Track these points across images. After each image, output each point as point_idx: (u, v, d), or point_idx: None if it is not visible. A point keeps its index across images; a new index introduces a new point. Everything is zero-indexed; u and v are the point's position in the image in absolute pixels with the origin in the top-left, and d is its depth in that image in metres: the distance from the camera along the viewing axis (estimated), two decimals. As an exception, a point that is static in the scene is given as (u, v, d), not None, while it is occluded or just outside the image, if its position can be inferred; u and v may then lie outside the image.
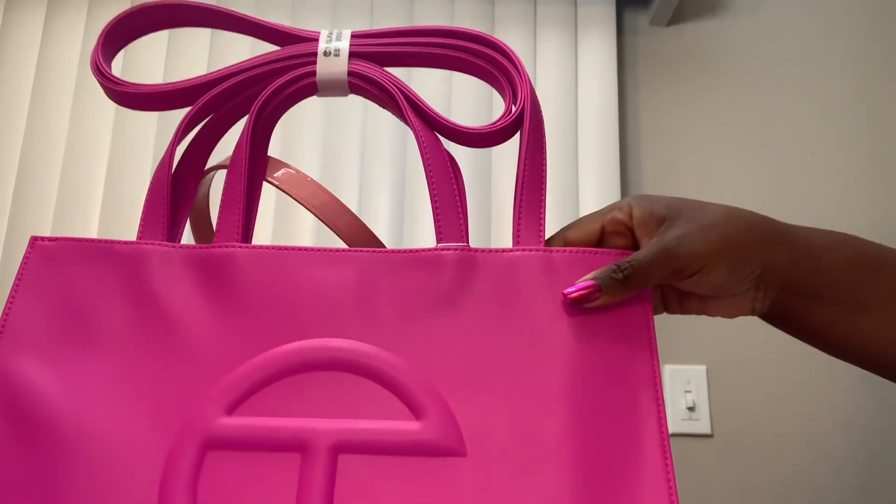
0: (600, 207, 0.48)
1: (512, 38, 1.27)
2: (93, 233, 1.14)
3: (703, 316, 0.49)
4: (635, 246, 0.44)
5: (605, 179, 1.20)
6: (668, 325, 1.18)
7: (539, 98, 0.43)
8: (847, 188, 1.29)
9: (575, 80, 1.27)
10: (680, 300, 0.47)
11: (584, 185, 1.21)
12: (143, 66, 1.19)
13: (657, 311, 0.47)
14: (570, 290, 0.39)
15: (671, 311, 0.49)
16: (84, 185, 1.16)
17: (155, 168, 1.13)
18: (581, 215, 1.18)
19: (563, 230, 0.44)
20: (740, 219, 0.45)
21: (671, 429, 1.15)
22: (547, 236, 0.42)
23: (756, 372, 1.17)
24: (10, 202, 1.16)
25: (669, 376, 1.17)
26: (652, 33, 1.36)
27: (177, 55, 1.21)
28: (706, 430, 1.15)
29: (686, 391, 1.16)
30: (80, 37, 1.24)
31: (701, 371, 1.17)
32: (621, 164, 1.25)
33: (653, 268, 0.41)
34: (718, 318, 0.49)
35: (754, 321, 1.18)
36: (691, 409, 1.16)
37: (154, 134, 1.18)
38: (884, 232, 1.27)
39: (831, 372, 1.18)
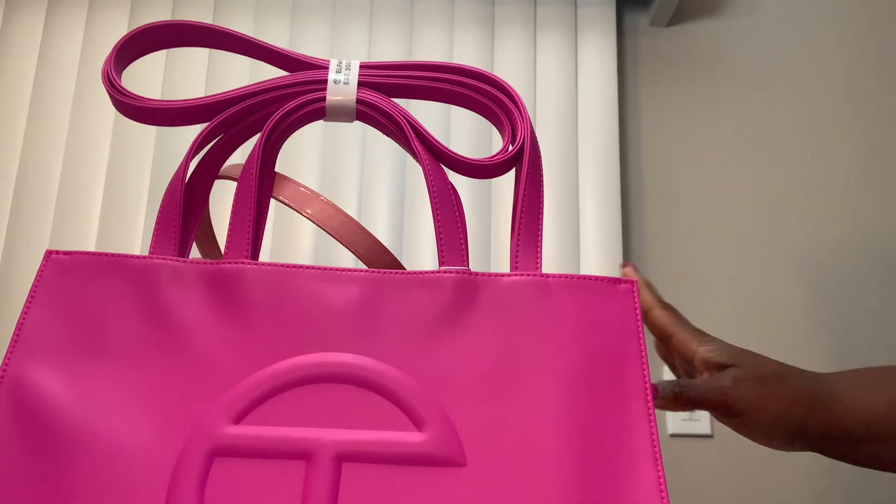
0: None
1: (512, 38, 1.28)
2: (92, 237, 1.15)
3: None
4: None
5: (605, 179, 1.21)
6: (668, 327, 1.19)
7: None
8: (847, 188, 1.30)
9: (575, 80, 1.28)
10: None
11: (583, 185, 1.22)
12: (142, 73, 1.21)
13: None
14: None
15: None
16: (83, 190, 1.17)
17: (153, 172, 1.15)
18: (580, 215, 1.21)
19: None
20: (788, 381, 0.51)
21: (671, 429, 1.16)
22: (544, 265, 0.44)
23: (756, 372, 1.18)
24: (10, 205, 1.17)
25: (669, 376, 1.17)
26: (652, 34, 1.37)
27: (175, 65, 1.23)
28: (706, 430, 1.16)
29: (686, 391, 1.17)
30: (80, 38, 1.24)
31: (701, 371, 1.18)
32: (621, 164, 1.26)
33: (706, 396, 0.50)
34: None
35: (753, 320, 1.19)
36: (691, 408, 1.17)
37: (153, 137, 1.19)
38: (884, 232, 1.28)
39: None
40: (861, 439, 0.50)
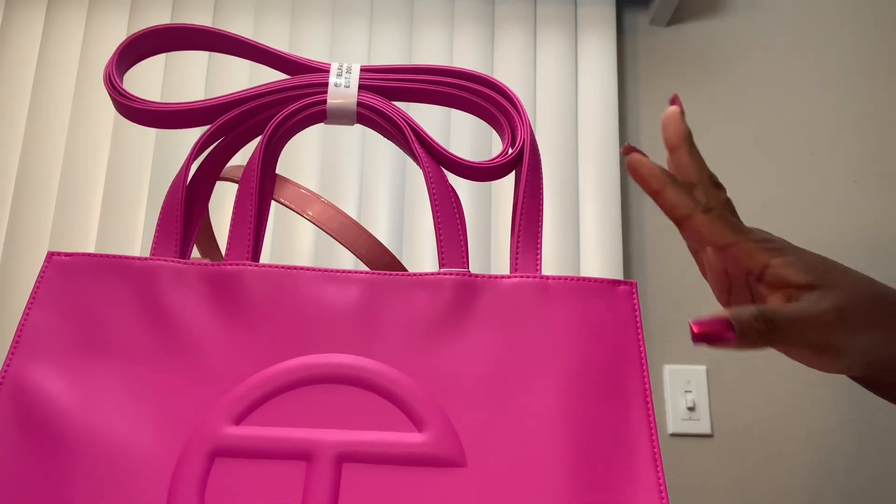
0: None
1: (512, 38, 1.27)
2: (92, 238, 1.15)
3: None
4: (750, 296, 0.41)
5: (605, 180, 1.21)
6: (668, 325, 1.20)
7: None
8: (847, 188, 1.30)
9: (575, 79, 1.27)
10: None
11: (583, 185, 1.21)
12: (142, 76, 1.20)
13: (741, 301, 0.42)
14: (699, 322, 0.36)
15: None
16: (83, 190, 1.16)
17: (153, 172, 1.15)
18: (580, 216, 1.21)
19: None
20: (891, 299, 0.40)
21: (671, 429, 1.16)
22: (544, 264, 0.43)
23: (756, 372, 1.18)
24: (10, 205, 1.16)
25: (669, 376, 1.18)
26: (652, 33, 1.37)
27: (175, 67, 1.23)
28: (706, 430, 1.16)
29: (686, 391, 1.17)
30: (80, 38, 1.24)
31: (701, 371, 1.18)
32: (621, 165, 1.26)
33: (806, 335, 0.37)
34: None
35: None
36: (691, 409, 1.17)
37: (153, 138, 1.19)
38: (884, 232, 1.28)
39: (830, 372, 1.19)
40: None
